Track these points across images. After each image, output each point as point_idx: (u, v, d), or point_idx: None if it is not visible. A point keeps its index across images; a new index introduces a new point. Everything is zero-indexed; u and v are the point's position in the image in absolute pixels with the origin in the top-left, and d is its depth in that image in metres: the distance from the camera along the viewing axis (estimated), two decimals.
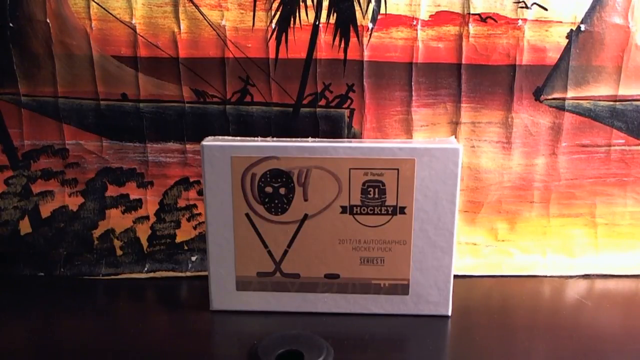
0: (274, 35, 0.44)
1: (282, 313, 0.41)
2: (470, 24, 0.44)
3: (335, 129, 0.47)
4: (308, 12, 0.44)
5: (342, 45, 0.45)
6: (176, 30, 0.44)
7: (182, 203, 0.49)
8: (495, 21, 0.44)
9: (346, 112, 0.46)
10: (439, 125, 0.47)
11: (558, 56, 0.45)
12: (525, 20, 0.44)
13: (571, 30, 0.45)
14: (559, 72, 0.46)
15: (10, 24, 0.44)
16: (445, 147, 0.38)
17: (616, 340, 0.38)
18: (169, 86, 0.46)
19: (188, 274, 0.49)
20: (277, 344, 0.36)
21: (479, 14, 0.44)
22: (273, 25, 0.44)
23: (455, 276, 0.41)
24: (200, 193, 0.48)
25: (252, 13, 0.44)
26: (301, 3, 0.44)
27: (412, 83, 0.46)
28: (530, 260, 0.50)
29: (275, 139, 0.42)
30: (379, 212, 0.40)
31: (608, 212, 0.50)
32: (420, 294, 0.41)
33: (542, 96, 0.46)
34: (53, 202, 0.49)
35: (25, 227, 0.49)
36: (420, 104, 0.46)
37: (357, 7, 0.44)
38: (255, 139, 0.42)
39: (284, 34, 0.45)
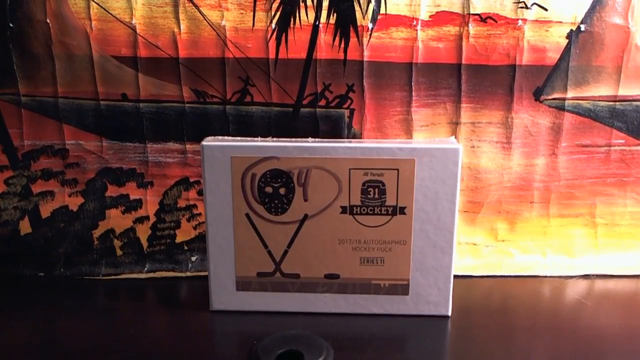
0: (274, 36, 0.44)
1: (282, 313, 0.41)
2: (470, 24, 0.44)
3: (335, 129, 0.47)
4: (308, 12, 0.44)
5: (342, 45, 0.45)
6: (176, 30, 0.44)
7: (182, 203, 0.49)
8: (495, 21, 0.44)
9: (346, 112, 0.46)
10: (439, 125, 0.47)
11: (558, 56, 0.45)
12: (525, 20, 0.44)
13: (571, 30, 0.45)
14: (559, 72, 0.46)
15: (10, 24, 0.44)
16: (445, 147, 0.38)
17: (616, 340, 0.38)
18: (169, 86, 0.46)
19: (188, 274, 0.49)
20: (277, 344, 0.36)
21: (479, 14, 0.44)
22: (273, 25, 0.44)
23: (455, 276, 0.41)
24: (200, 193, 0.48)
25: (252, 13, 0.44)
26: (301, 3, 0.44)
27: (412, 83, 0.46)
28: (530, 260, 0.50)
29: (275, 139, 0.42)
30: (379, 212, 0.40)
31: (608, 212, 0.50)
32: (420, 294, 0.41)
33: (542, 96, 0.46)
34: (53, 202, 0.49)
35: (25, 227, 0.49)
36: (420, 104, 0.46)
37: (357, 7, 0.44)
38: (255, 139, 0.42)
39: (284, 34, 0.45)
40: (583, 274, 0.49)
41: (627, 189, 0.49)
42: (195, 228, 0.49)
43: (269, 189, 0.40)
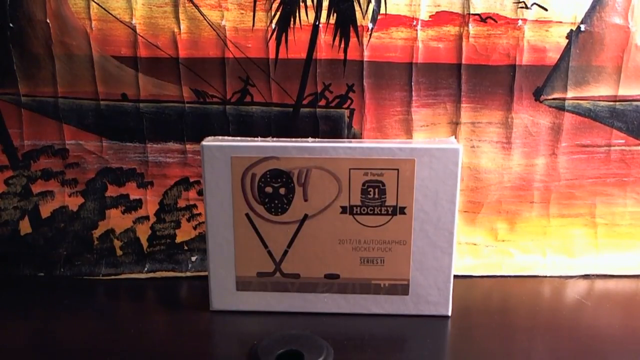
0: (274, 36, 0.45)
1: (282, 313, 0.41)
2: (470, 24, 0.44)
3: (335, 129, 0.47)
4: (308, 12, 0.44)
5: (342, 45, 0.45)
6: (176, 30, 0.44)
7: (182, 203, 0.49)
8: (495, 21, 0.44)
9: (346, 112, 0.46)
10: (439, 125, 0.47)
11: (558, 56, 0.45)
12: (525, 20, 0.44)
13: (571, 30, 0.45)
14: (559, 72, 0.46)
15: (10, 24, 0.44)
16: (445, 147, 0.38)
17: (616, 340, 0.38)
18: (169, 86, 0.46)
19: (188, 274, 0.49)
20: (277, 344, 0.36)
21: (479, 14, 0.44)
22: (273, 25, 0.44)
23: (455, 276, 0.41)
24: (200, 193, 0.48)
25: (252, 13, 0.44)
26: (301, 3, 0.44)
27: (412, 83, 0.46)
28: (530, 260, 0.50)
29: (275, 139, 0.42)
30: (379, 212, 0.40)
31: (608, 212, 0.50)
32: (420, 294, 0.41)
33: (542, 96, 0.46)
34: (53, 202, 0.49)
35: (25, 227, 0.49)
36: (420, 104, 0.46)
37: (357, 7, 0.44)
38: (255, 139, 0.42)
39: (284, 34, 0.45)
40: (583, 274, 0.49)
41: (627, 189, 0.49)
42: (195, 228, 0.49)
43: (269, 189, 0.40)
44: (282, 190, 0.40)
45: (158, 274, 0.49)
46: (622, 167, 0.48)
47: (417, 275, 0.40)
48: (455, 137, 0.47)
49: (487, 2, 0.44)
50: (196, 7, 0.44)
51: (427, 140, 0.45)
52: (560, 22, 0.44)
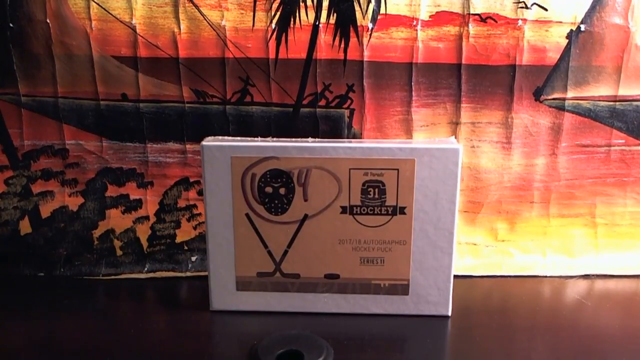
0: (274, 36, 0.45)
1: (282, 313, 0.41)
2: (470, 24, 0.44)
3: (335, 129, 0.47)
4: (308, 12, 0.44)
5: (342, 45, 0.45)
6: (176, 30, 0.44)
7: (182, 203, 0.49)
8: (495, 21, 0.44)
9: (346, 112, 0.46)
10: (439, 125, 0.47)
11: (558, 56, 0.45)
12: (525, 20, 0.44)
13: (571, 30, 0.45)
14: (559, 72, 0.46)
15: (10, 24, 0.44)
16: (445, 147, 0.38)
17: (616, 340, 0.38)
18: (169, 86, 0.46)
19: (188, 274, 0.49)
20: (277, 344, 0.36)
21: (479, 14, 0.44)
22: (273, 25, 0.44)
23: (455, 276, 0.41)
24: (200, 193, 0.48)
25: (252, 13, 0.44)
26: (301, 3, 0.44)
27: (412, 83, 0.46)
28: (530, 260, 0.50)
29: (275, 139, 0.42)
30: (379, 212, 0.40)
31: (608, 212, 0.50)
32: (420, 294, 0.41)
33: (542, 96, 0.46)
34: (53, 202, 0.49)
35: (25, 227, 0.49)
36: (420, 104, 0.46)
37: (357, 7, 0.44)
38: (255, 139, 0.42)
39: (284, 34, 0.45)
40: (583, 274, 0.49)
41: (627, 189, 0.49)
42: (195, 228, 0.49)
43: (269, 189, 0.40)
44: (282, 190, 0.40)
45: (158, 274, 0.49)
46: (622, 167, 0.48)
47: (417, 275, 0.40)
48: (455, 137, 0.47)
49: (487, 2, 0.44)
50: (196, 7, 0.44)
51: (427, 140, 0.45)
52: (560, 22, 0.44)
